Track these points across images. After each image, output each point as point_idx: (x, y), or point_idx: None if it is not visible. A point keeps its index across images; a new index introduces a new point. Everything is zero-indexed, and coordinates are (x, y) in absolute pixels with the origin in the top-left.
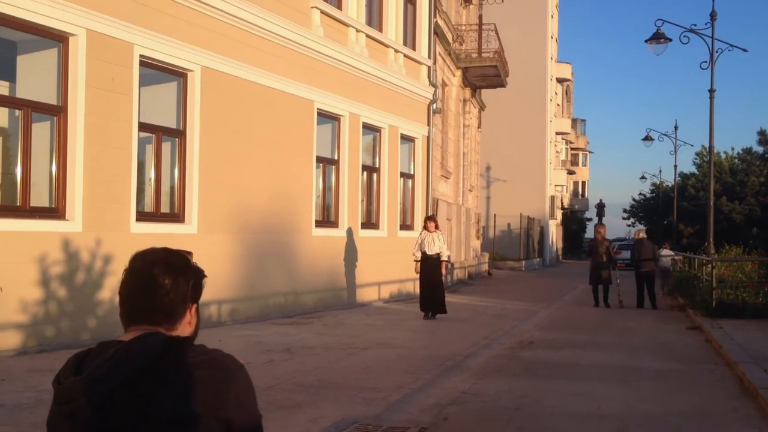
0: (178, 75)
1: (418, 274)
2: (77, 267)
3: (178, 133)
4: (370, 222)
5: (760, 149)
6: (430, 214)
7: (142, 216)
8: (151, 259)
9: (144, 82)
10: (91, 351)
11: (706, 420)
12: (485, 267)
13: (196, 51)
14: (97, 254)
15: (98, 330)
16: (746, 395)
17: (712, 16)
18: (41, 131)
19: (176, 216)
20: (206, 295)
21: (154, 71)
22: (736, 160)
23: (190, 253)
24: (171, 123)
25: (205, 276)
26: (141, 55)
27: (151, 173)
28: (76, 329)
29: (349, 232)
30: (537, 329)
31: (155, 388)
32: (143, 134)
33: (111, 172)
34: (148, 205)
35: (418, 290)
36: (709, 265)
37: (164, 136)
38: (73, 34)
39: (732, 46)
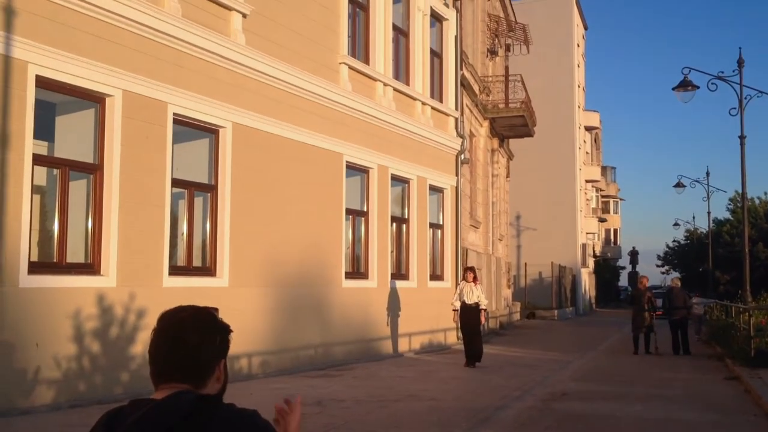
0: (210, 132)
1: (457, 323)
2: (111, 322)
3: (210, 188)
4: (399, 273)
5: None
6: (470, 265)
7: (175, 270)
8: (179, 317)
9: (177, 139)
10: (123, 409)
11: None
12: (517, 316)
13: (228, 108)
14: (130, 309)
15: (131, 384)
16: None
17: (740, 63)
18: (78, 189)
19: (208, 270)
20: (237, 348)
21: (187, 128)
22: None
23: (216, 310)
24: (203, 178)
25: (231, 331)
26: (174, 114)
27: (183, 228)
28: (108, 384)
29: (380, 283)
30: (571, 380)
31: None
32: (176, 190)
33: (145, 228)
34: (181, 259)
35: (449, 340)
36: (746, 314)
37: (196, 191)
38: (110, 95)
39: (761, 92)
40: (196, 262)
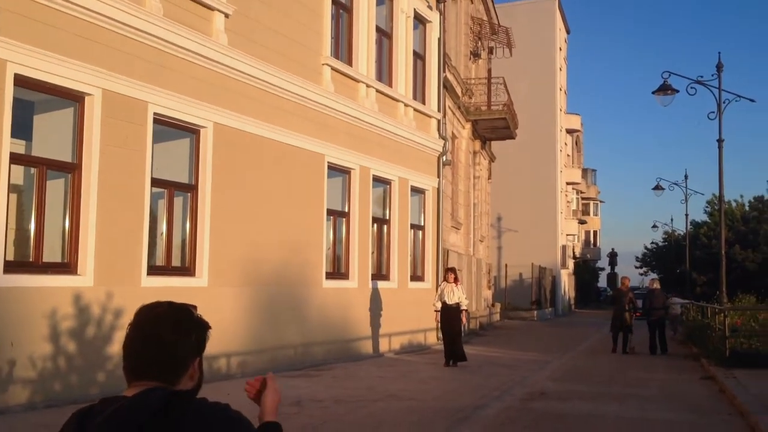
0: (191, 131)
1: (439, 324)
2: (87, 321)
3: (190, 188)
4: (380, 273)
5: None
6: (451, 266)
7: (154, 270)
8: (155, 313)
9: (157, 138)
10: (94, 407)
11: None
12: (497, 317)
13: (209, 108)
14: (107, 308)
15: (107, 384)
16: None
17: (719, 67)
18: (55, 188)
19: (187, 269)
20: (215, 347)
21: (168, 128)
22: (747, 208)
23: (194, 307)
24: (183, 178)
25: (209, 328)
26: (155, 113)
27: (162, 227)
28: (84, 384)
29: (360, 283)
30: (549, 380)
31: None
32: (156, 189)
33: (123, 227)
34: (160, 259)
35: (429, 341)
36: (722, 314)
37: (176, 191)
38: (89, 94)
39: (739, 96)
40: (176, 261)
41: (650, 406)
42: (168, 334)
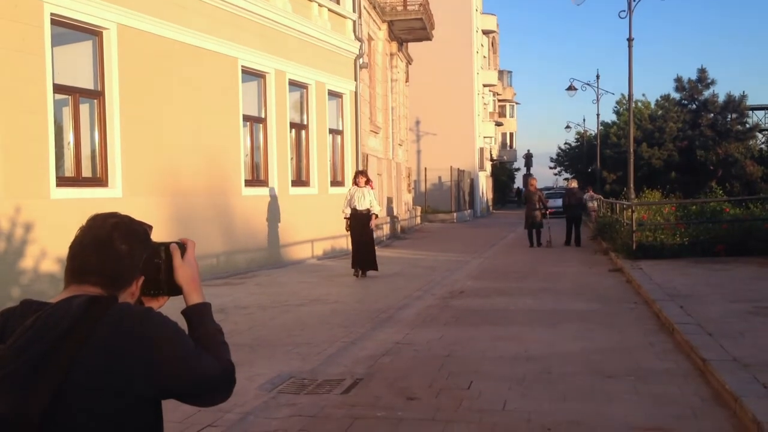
0: (93, 33)
1: (349, 231)
2: None
3: (97, 94)
4: (300, 179)
5: (677, 96)
6: (360, 168)
7: (63, 181)
8: (112, 221)
9: (57, 41)
10: (15, 310)
11: (625, 355)
12: (418, 220)
13: (111, 8)
14: (17, 222)
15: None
16: (663, 330)
17: None
18: None
19: (99, 180)
20: None
21: (68, 30)
22: (653, 106)
23: (150, 227)
24: (88, 84)
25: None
26: (52, 14)
27: (69, 137)
28: None
29: (280, 190)
30: (468, 279)
31: (79, 350)
32: (59, 96)
33: (26, 137)
34: (69, 170)
35: (351, 246)
36: (629, 210)
37: (81, 97)
38: None
39: None
40: (86, 172)
41: (562, 298)
42: (121, 242)
